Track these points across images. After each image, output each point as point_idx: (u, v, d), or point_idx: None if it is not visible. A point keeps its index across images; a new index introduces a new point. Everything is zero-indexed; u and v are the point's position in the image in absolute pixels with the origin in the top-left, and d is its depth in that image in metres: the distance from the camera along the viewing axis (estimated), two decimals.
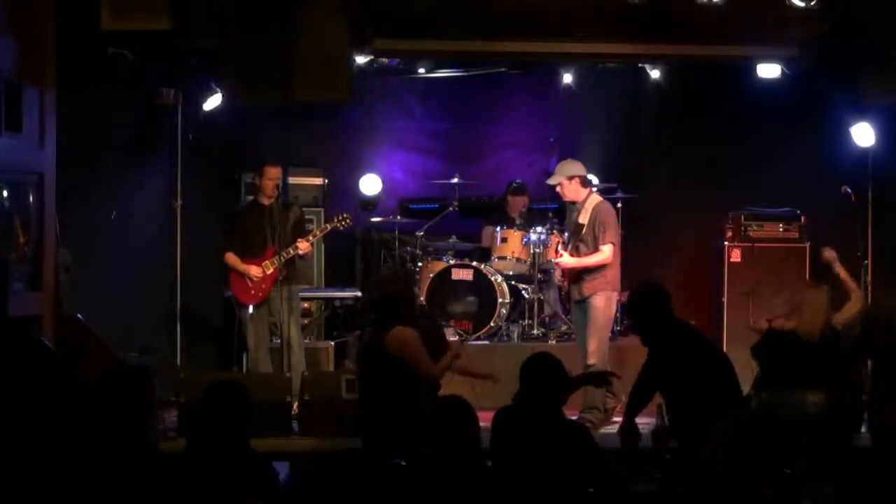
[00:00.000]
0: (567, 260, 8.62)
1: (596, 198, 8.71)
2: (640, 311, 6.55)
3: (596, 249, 8.49)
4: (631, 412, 6.51)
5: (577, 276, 8.57)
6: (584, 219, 8.58)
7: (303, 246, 8.77)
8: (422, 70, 11.04)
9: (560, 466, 5.12)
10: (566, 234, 9.00)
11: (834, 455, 6.37)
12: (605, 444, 6.52)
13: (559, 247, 8.93)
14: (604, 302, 8.48)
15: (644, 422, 6.57)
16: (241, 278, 8.79)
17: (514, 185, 10.89)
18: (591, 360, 8.32)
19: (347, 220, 9.11)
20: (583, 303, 8.57)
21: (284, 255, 8.67)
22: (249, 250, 8.80)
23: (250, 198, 9.33)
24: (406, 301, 6.79)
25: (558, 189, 8.76)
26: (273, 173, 8.87)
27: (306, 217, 9.65)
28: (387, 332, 6.55)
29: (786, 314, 7.37)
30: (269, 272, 8.71)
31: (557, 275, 8.98)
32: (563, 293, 8.77)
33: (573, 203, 8.73)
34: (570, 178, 8.64)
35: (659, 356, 6.39)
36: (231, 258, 8.83)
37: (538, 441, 5.18)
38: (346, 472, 6.38)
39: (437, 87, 11.41)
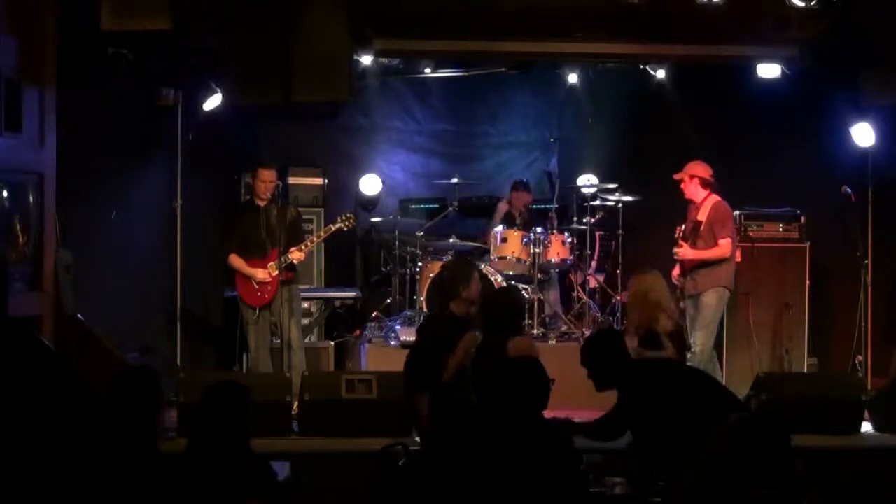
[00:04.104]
0: (687, 252, 8.97)
1: (715, 198, 9.00)
2: (593, 358, 6.45)
3: (713, 245, 8.83)
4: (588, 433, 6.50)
5: (692, 271, 8.89)
6: (702, 216, 8.94)
7: (295, 255, 8.73)
8: (422, 70, 11.04)
9: (539, 466, 5.12)
10: (683, 228, 9.19)
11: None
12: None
13: (677, 239, 9.15)
14: (715, 300, 8.82)
15: None
16: (247, 281, 8.76)
17: (518, 181, 10.92)
18: (696, 346, 8.65)
19: (352, 220, 9.09)
20: (695, 297, 8.88)
21: (284, 259, 8.64)
22: (250, 252, 8.78)
23: (247, 198, 9.31)
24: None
25: (682, 185, 9.08)
26: (266, 175, 8.79)
27: (306, 217, 9.64)
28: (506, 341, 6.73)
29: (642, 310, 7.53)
30: (274, 274, 8.68)
31: (675, 273, 9.11)
32: (677, 291, 9.02)
33: (692, 201, 9.06)
34: (692, 177, 9.03)
35: (629, 399, 6.27)
36: (236, 261, 8.79)
37: (519, 441, 5.17)
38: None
39: (437, 87, 11.41)
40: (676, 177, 9.09)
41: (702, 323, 8.78)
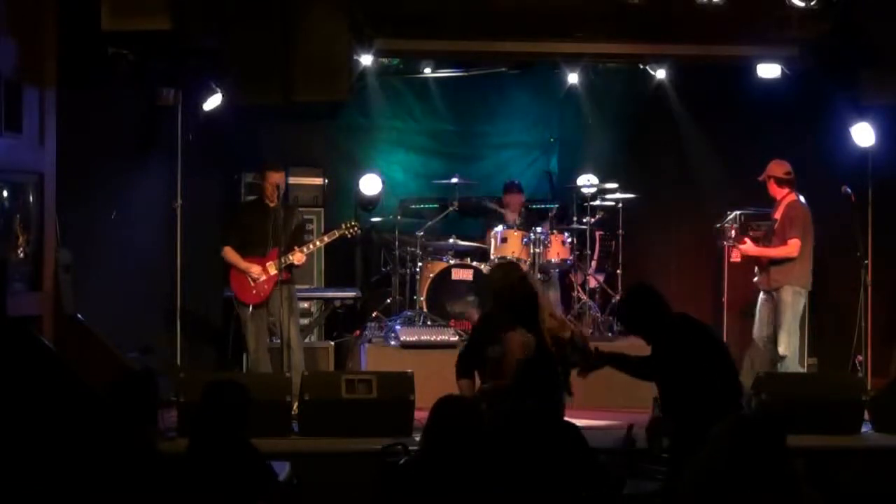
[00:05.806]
0: (749, 247, 9.17)
1: (791, 196, 9.11)
2: (630, 309, 6.58)
3: (783, 243, 8.94)
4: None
5: (766, 267, 9.03)
6: (777, 215, 9.09)
7: (297, 258, 8.72)
8: (422, 70, 11.03)
9: (554, 467, 5.10)
10: (737, 226, 9.35)
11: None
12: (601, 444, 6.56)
13: (734, 233, 9.30)
14: (791, 297, 8.93)
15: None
16: (241, 277, 8.74)
17: (508, 182, 10.91)
18: (782, 350, 8.84)
19: (356, 228, 9.07)
20: (770, 294, 9.02)
21: (284, 260, 8.62)
22: (251, 248, 8.76)
23: (253, 197, 9.29)
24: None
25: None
26: (274, 178, 8.77)
27: (306, 217, 9.64)
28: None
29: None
30: (272, 273, 8.66)
31: (755, 272, 9.28)
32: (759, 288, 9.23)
33: (775, 199, 9.20)
34: (768, 177, 9.14)
35: (659, 348, 6.36)
36: (230, 253, 8.75)
37: (534, 441, 5.16)
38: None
39: (437, 87, 11.40)
40: (760, 179, 9.19)
41: (784, 326, 8.87)
